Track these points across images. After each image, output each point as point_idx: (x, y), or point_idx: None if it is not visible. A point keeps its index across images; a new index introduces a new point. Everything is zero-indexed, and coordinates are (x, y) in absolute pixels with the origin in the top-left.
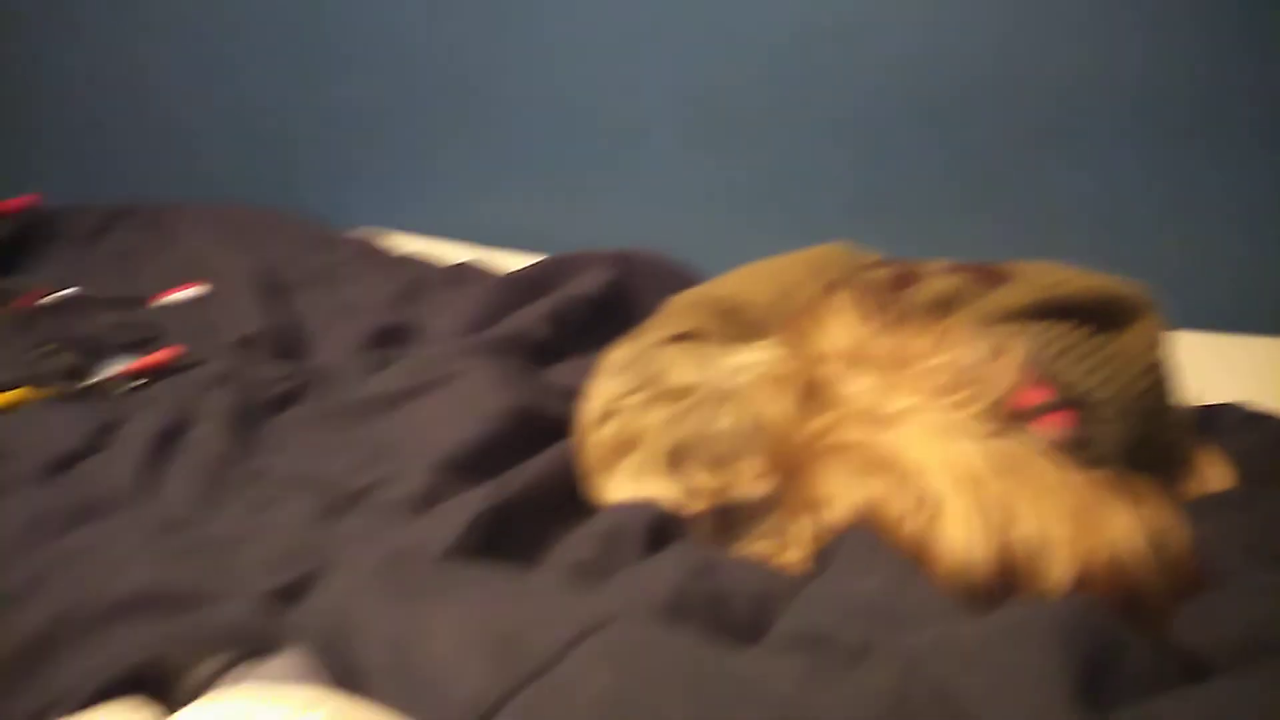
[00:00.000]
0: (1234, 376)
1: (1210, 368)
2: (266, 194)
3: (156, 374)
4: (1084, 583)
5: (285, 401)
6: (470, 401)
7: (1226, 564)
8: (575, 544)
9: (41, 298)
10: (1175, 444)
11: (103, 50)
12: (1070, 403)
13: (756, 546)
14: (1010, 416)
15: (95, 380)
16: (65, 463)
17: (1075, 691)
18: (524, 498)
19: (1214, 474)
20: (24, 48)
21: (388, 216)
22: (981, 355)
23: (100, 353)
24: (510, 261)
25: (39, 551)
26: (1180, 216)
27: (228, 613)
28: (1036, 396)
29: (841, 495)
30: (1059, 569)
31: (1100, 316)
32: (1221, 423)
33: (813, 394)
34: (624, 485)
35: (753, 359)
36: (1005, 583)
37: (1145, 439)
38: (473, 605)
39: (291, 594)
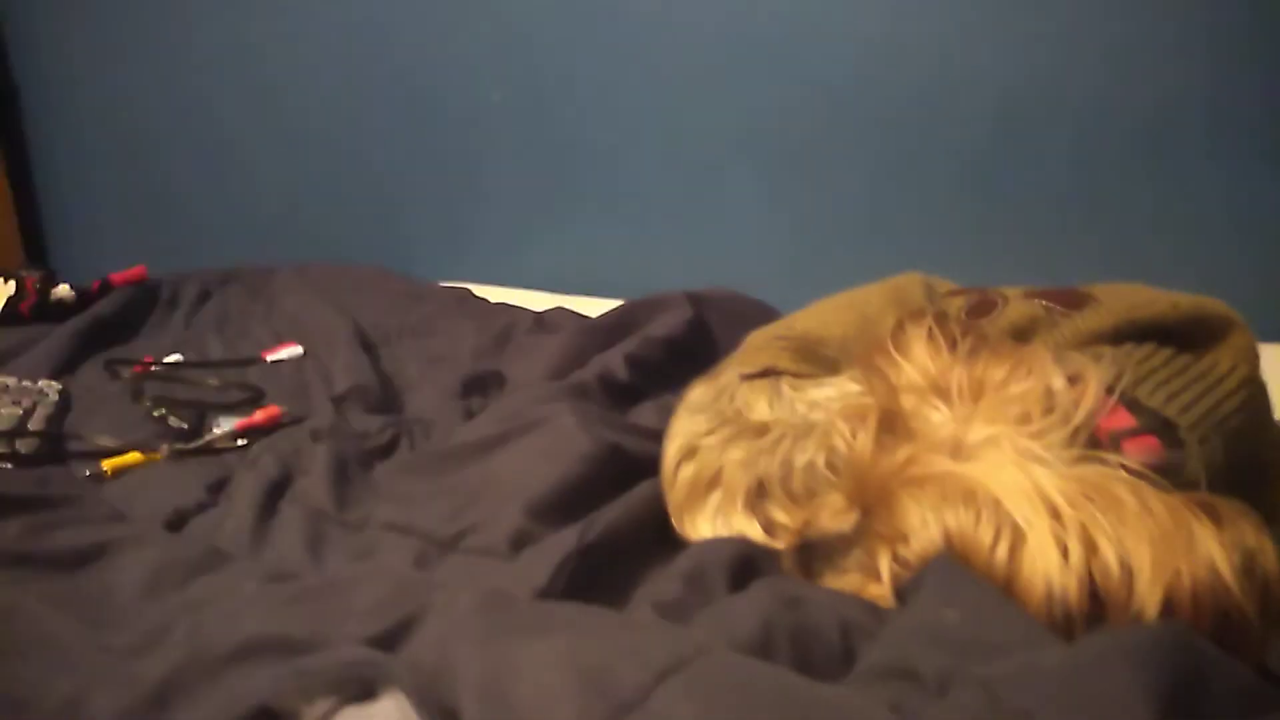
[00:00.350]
0: None
1: None
2: (345, 255)
3: (259, 433)
4: (1171, 608)
5: (381, 453)
6: (555, 446)
7: None
8: (660, 584)
9: (150, 364)
10: (1275, 464)
11: (202, 121)
12: (1153, 428)
13: (842, 580)
14: (1091, 443)
15: (202, 441)
16: (180, 520)
17: (1160, 717)
18: (610, 539)
19: None
20: (130, 120)
21: (467, 269)
22: (1061, 382)
23: (205, 414)
24: (588, 306)
25: (160, 604)
26: (1256, 232)
27: (335, 657)
28: (1118, 422)
29: (923, 527)
30: (1144, 595)
31: (1185, 337)
32: None
33: (892, 426)
34: (708, 523)
35: (831, 393)
36: (1092, 611)
37: (1240, 460)
38: (561, 643)
39: (392, 639)
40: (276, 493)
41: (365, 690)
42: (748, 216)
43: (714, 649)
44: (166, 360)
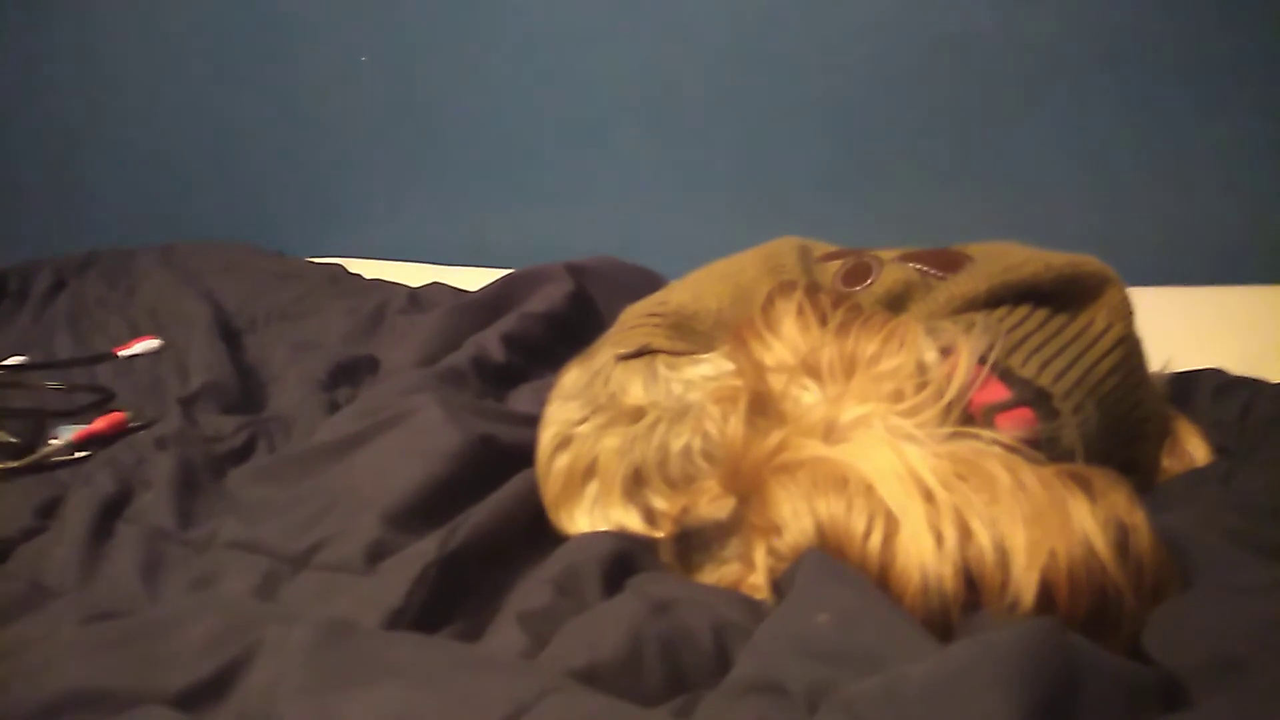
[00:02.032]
0: (1223, 329)
1: (1198, 322)
2: (215, 233)
3: (102, 442)
4: (1047, 591)
5: (236, 458)
6: (419, 442)
7: (1206, 555)
8: (530, 590)
9: None
10: (1150, 419)
11: (64, 91)
12: (1026, 400)
13: (723, 571)
14: (965, 419)
15: (35, 457)
16: (3, 551)
17: None
18: (478, 543)
19: (1194, 447)
20: None
21: (347, 243)
22: (933, 355)
23: (44, 424)
24: (476, 277)
25: None
26: (1159, 171)
27: None
28: (991, 395)
29: (795, 518)
30: (1020, 580)
31: (1060, 297)
32: (1198, 391)
33: (763, 409)
34: (586, 516)
35: (707, 371)
36: (969, 599)
37: (1116, 421)
38: (392, 695)
39: (219, 685)
40: (112, 512)
41: None
42: (637, 178)
43: (558, 688)
44: (7, 362)
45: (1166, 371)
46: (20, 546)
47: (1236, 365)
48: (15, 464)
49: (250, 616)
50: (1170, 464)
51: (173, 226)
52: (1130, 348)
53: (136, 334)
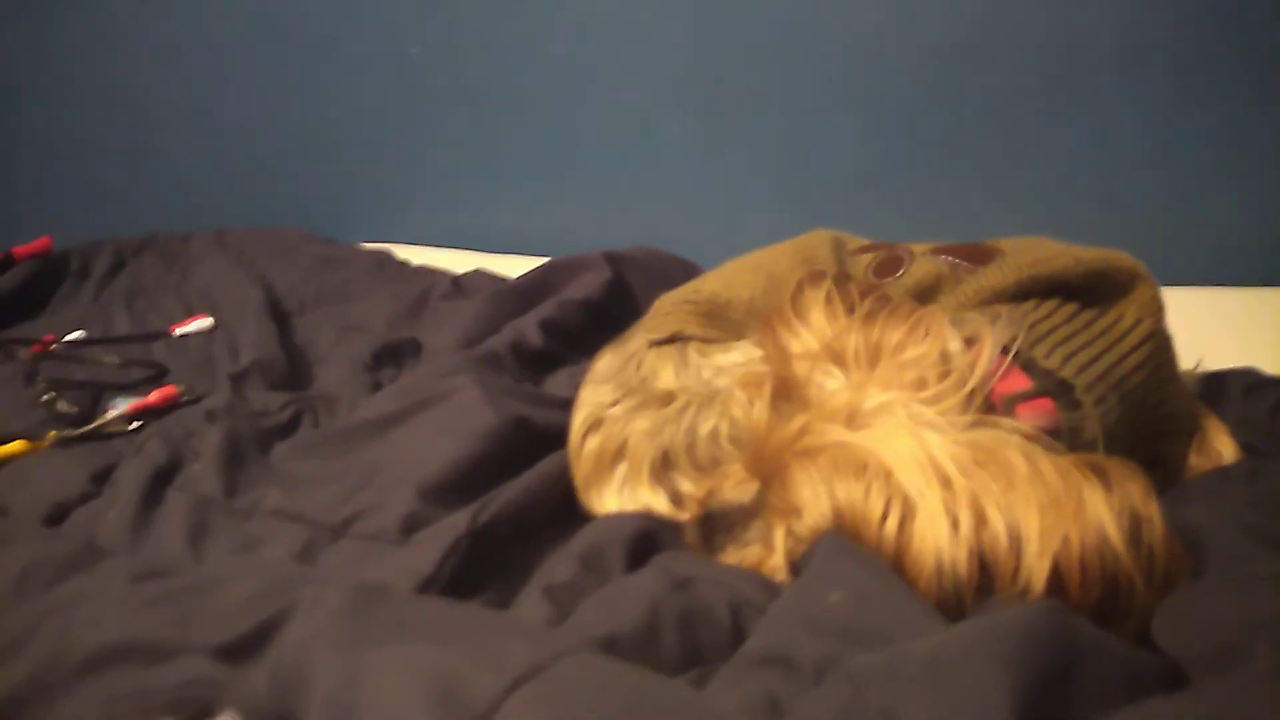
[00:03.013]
0: (1229, 330)
1: (1206, 323)
2: (270, 217)
3: (154, 414)
4: (1059, 577)
5: (281, 433)
6: (456, 421)
7: (1220, 547)
8: (556, 565)
9: (50, 343)
10: (1178, 416)
11: (94, 83)
12: (1048, 390)
13: (745, 553)
14: (986, 408)
15: (92, 426)
16: (60, 513)
17: (1020, 716)
18: (509, 519)
19: (1222, 445)
20: (11, 86)
21: (394, 230)
22: (957, 345)
23: (101, 396)
24: (519, 266)
25: (27, 606)
26: (1173, 170)
27: (174, 676)
28: (1013, 385)
29: (814, 501)
30: (1032, 565)
31: (1089, 292)
32: (1229, 389)
33: (787, 394)
34: (614, 497)
35: (737, 358)
36: (983, 583)
37: (1142, 416)
38: (418, 650)
39: (256, 641)
40: (163, 480)
41: (204, 710)
42: (680, 169)
43: (576, 650)
44: (68, 338)
45: (1198, 370)
46: (76, 509)
47: (1270, 367)
48: (74, 432)
49: (288, 579)
50: (1198, 461)
51: (227, 211)
52: (1159, 344)
53: (190, 313)
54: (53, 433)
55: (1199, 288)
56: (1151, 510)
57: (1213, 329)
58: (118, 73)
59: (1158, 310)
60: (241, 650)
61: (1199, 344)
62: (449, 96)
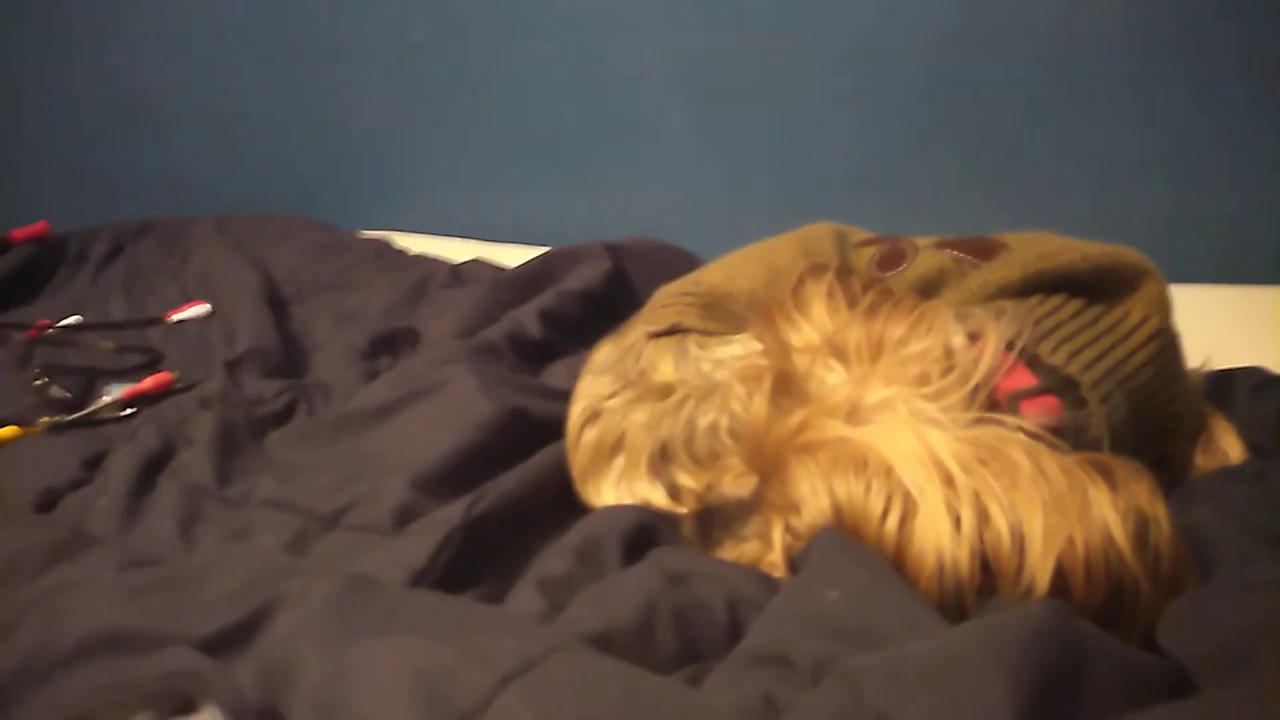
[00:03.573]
0: (1230, 328)
1: (1212, 320)
2: (270, 203)
3: (148, 401)
4: (1063, 578)
5: (276, 420)
6: (452, 412)
7: (1226, 550)
8: (552, 558)
9: (45, 328)
10: (1184, 414)
11: (96, 67)
12: (1053, 387)
13: (742, 549)
14: (990, 404)
15: (85, 412)
16: (51, 500)
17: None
18: (504, 511)
19: (1229, 444)
20: (13, 69)
21: (394, 217)
22: (961, 340)
23: (95, 382)
24: (519, 255)
25: (15, 593)
26: (1173, 168)
27: (156, 667)
28: (1018, 382)
29: (813, 497)
30: (1036, 565)
31: (1096, 287)
32: (1236, 389)
33: (788, 388)
34: (612, 489)
35: (737, 351)
36: (985, 582)
37: (1148, 414)
38: (406, 644)
39: (243, 632)
40: (155, 467)
41: (186, 704)
42: (679, 159)
43: (567, 647)
44: (63, 323)
45: (1205, 368)
46: (67, 496)
47: (1278, 365)
48: (66, 418)
49: (277, 569)
50: (1204, 461)
51: (227, 198)
52: (1166, 342)
53: (188, 299)
54: (45, 418)
55: (1205, 285)
56: (1158, 511)
57: (1219, 327)
58: (119, 57)
59: (1165, 307)
60: (228, 642)
61: (1205, 342)
62: (450, 85)
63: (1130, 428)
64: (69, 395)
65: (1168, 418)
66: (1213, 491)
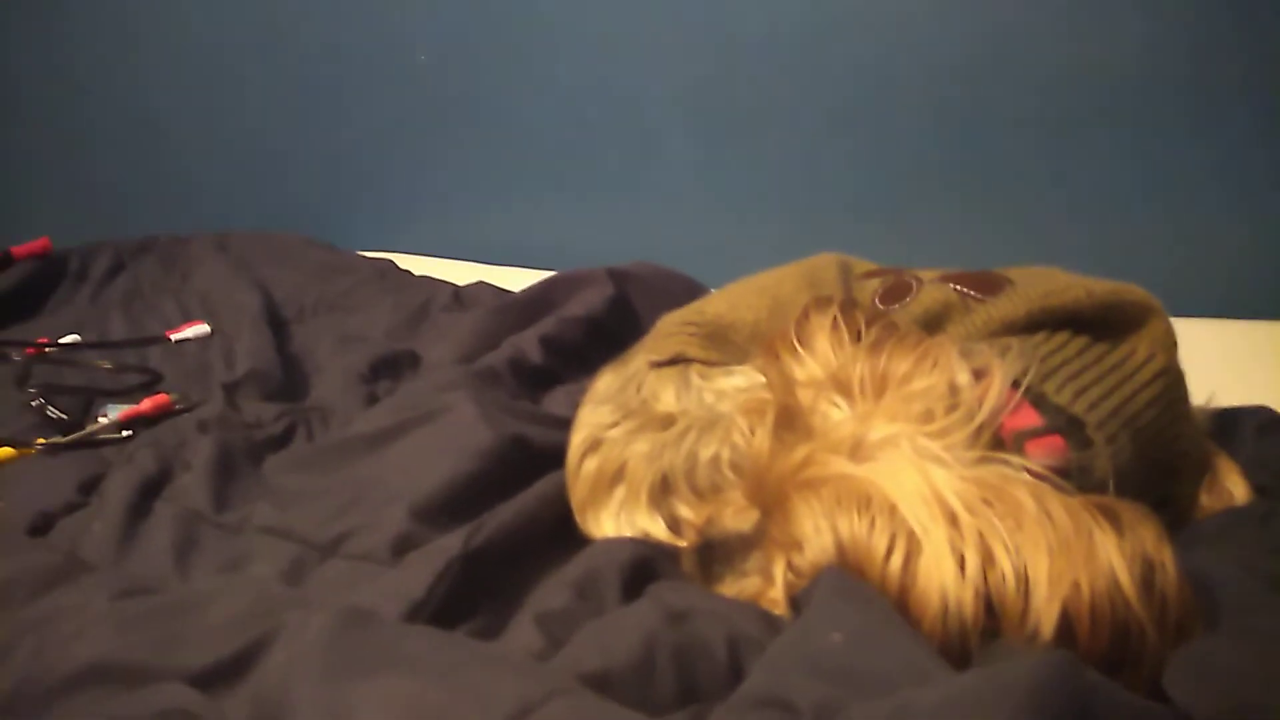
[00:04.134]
0: (1233, 363)
1: (1214, 355)
2: (272, 223)
3: (146, 422)
4: (1068, 622)
5: (275, 445)
6: (452, 439)
7: (1234, 596)
8: (550, 592)
9: (44, 346)
10: (1189, 454)
11: (99, 84)
12: (1059, 427)
13: (743, 584)
14: (995, 443)
15: (81, 434)
16: (45, 523)
17: None
18: (503, 542)
19: (1234, 485)
20: (16, 86)
21: (397, 239)
22: (966, 377)
23: (93, 402)
24: (521, 278)
25: (7, 620)
26: (1175, 203)
27: (153, 699)
28: (1023, 421)
29: (816, 535)
30: (1041, 609)
31: (1101, 325)
32: (1241, 428)
33: (791, 423)
34: (612, 520)
35: (740, 383)
36: (989, 625)
37: (1153, 454)
38: (403, 686)
39: (238, 665)
40: (151, 491)
41: None
42: (683, 186)
43: (566, 690)
44: (62, 341)
45: (1209, 406)
46: (61, 520)
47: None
48: (62, 440)
49: (273, 601)
50: (1208, 501)
51: (230, 217)
52: (1171, 380)
53: (188, 318)
54: (41, 440)
55: (1209, 320)
56: (1164, 556)
57: (1223, 362)
58: (124, 75)
59: (1170, 345)
60: (222, 676)
61: (1209, 378)
62: (455, 107)
63: (1135, 468)
64: (65, 416)
65: (1173, 457)
66: (1218, 534)
